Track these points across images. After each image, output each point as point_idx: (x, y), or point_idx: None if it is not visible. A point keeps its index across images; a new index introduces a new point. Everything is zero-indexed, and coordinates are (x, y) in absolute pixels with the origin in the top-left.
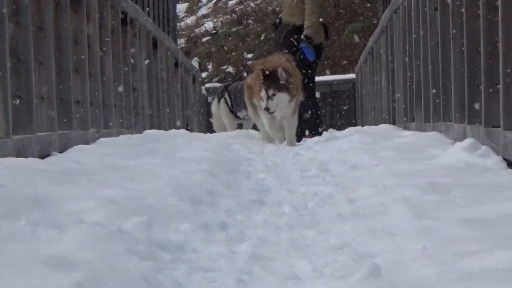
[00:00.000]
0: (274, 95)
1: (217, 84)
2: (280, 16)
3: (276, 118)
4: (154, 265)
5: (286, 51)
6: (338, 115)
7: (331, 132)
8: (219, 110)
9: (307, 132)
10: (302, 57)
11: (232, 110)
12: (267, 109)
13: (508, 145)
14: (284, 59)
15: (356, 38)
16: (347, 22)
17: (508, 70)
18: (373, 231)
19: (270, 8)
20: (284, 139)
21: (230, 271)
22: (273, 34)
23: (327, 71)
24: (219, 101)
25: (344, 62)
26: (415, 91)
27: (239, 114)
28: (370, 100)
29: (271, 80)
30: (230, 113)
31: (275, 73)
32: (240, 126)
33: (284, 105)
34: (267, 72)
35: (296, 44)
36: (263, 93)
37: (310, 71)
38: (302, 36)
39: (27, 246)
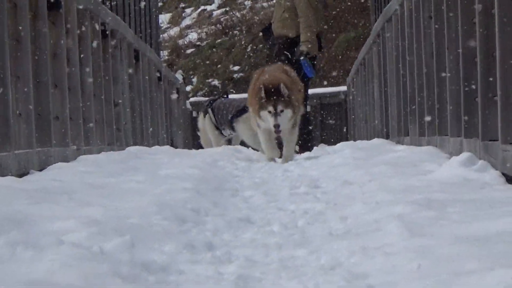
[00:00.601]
0: (282, 111)
1: (202, 98)
2: (268, 24)
3: (273, 134)
4: None
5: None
6: (329, 129)
7: (322, 147)
8: (205, 124)
9: (297, 148)
10: (302, 73)
11: (217, 126)
12: (277, 126)
13: (507, 159)
14: (282, 69)
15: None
16: (338, 32)
17: (506, 81)
18: (366, 249)
19: (256, 18)
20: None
21: None
22: (261, 45)
23: (318, 83)
24: (204, 115)
25: (335, 73)
26: (409, 104)
27: (224, 132)
28: (362, 113)
29: (278, 96)
30: (216, 129)
31: (278, 88)
32: (228, 142)
33: (288, 120)
34: (271, 87)
35: (290, 57)
36: (271, 109)
37: (303, 84)
38: (299, 51)
39: (6, 268)
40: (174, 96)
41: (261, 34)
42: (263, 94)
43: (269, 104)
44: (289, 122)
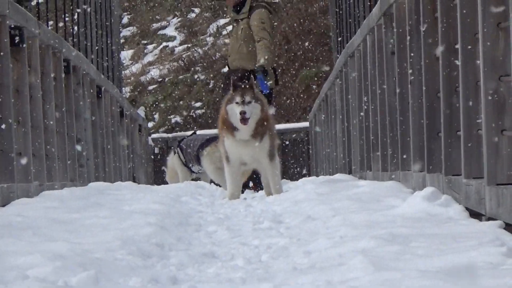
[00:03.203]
0: (249, 102)
1: (164, 135)
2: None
3: (243, 165)
4: None
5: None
6: (291, 165)
7: (284, 182)
8: (173, 162)
9: (250, 183)
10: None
11: (185, 164)
12: (243, 112)
13: (470, 194)
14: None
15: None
16: (300, 68)
17: (469, 116)
18: (331, 284)
19: (218, 54)
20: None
21: None
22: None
23: (280, 119)
24: (174, 153)
25: (297, 109)
26: (372, 139)
27: (193, 168)
28: (324, 149)
29: (246, 89)
30: (184, 166)
31: (249, 83)
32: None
33: (255, 116)
34: (240, 83)
35: None
36: (238, 100)
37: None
38: (256, 67)
39: None
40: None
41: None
42: (231, 88)
43: (236, 95)
44: (264, 152)
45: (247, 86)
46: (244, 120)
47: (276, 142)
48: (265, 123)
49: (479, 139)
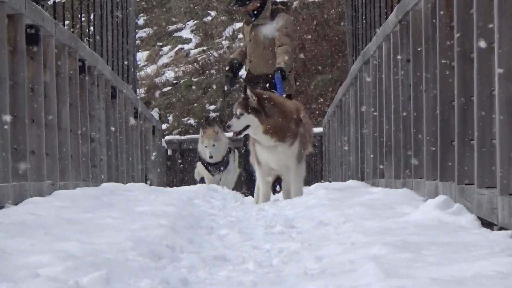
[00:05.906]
0: (242, 115)
1: (178, 137)
2: (234, 60)
3: (271, 170)
4: None
5: None
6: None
7: None
8: None
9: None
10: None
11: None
12: (228, 126)
13: (483, 203)
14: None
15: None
16: (315, 73)
17: (483, 125)
18: None
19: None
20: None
21: None
22: (238, 85)
23: None
24: None
25: (311, 115)
26: (385, 146)
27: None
28: (338, 155)
29: (244, 100)
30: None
31: (247, 94)
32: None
33: (254, 132)
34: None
35: None
36: (234, 110)
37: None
38: (275, 68)
39: None
40: (132, 121)
41: (227, 76)
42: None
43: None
44: (292, 157)
45: (243, 98)
46: (234, 133)
47: (308, 149)
48: (295, 127)
49: (492, 149)
